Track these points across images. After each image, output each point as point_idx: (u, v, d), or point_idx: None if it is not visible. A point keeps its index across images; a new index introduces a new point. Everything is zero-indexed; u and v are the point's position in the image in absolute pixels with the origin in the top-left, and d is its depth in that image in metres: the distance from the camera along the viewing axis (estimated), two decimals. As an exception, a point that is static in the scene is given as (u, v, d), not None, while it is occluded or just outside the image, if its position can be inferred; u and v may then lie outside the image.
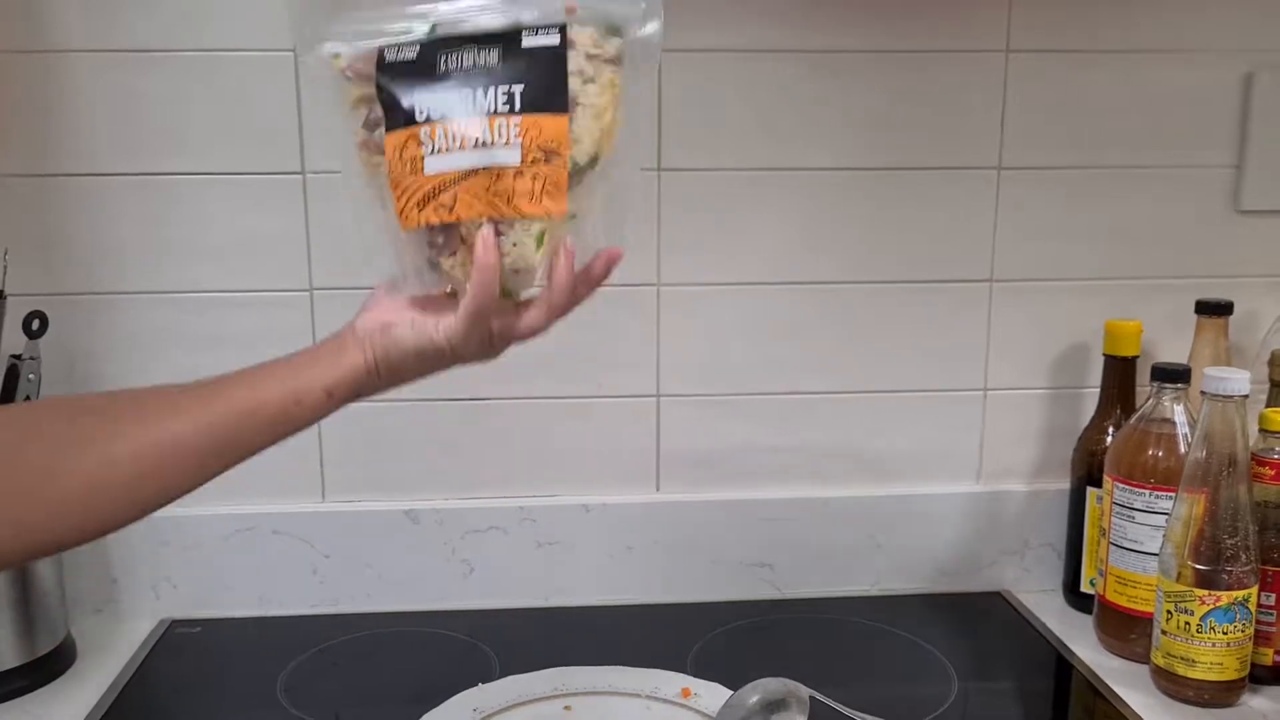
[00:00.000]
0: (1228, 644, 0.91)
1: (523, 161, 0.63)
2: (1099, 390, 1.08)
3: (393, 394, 1.06)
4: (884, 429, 1.12)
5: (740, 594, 1.11)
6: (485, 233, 0.64)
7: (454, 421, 1.08)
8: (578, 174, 0.64)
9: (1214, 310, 1.04)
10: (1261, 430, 0.94)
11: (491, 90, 0.63)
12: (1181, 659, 0.92)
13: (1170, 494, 0.95)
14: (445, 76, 0.64)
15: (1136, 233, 1.10)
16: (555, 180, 0.64)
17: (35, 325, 0.97)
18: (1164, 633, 0.93)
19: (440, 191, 0.64)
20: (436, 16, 0.65)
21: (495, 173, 0.63)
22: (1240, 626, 0.91)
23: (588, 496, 1.10)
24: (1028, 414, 1.13)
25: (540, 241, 0.65)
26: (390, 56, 0.65)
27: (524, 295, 0.68)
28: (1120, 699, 0.93)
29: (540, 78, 0.63)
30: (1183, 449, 0.96)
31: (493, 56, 0.64)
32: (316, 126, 1.02)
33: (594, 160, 0.65)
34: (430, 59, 0.64)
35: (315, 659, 1.01)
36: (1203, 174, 1.09)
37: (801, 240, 1.08)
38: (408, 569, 1.09)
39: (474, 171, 0.64)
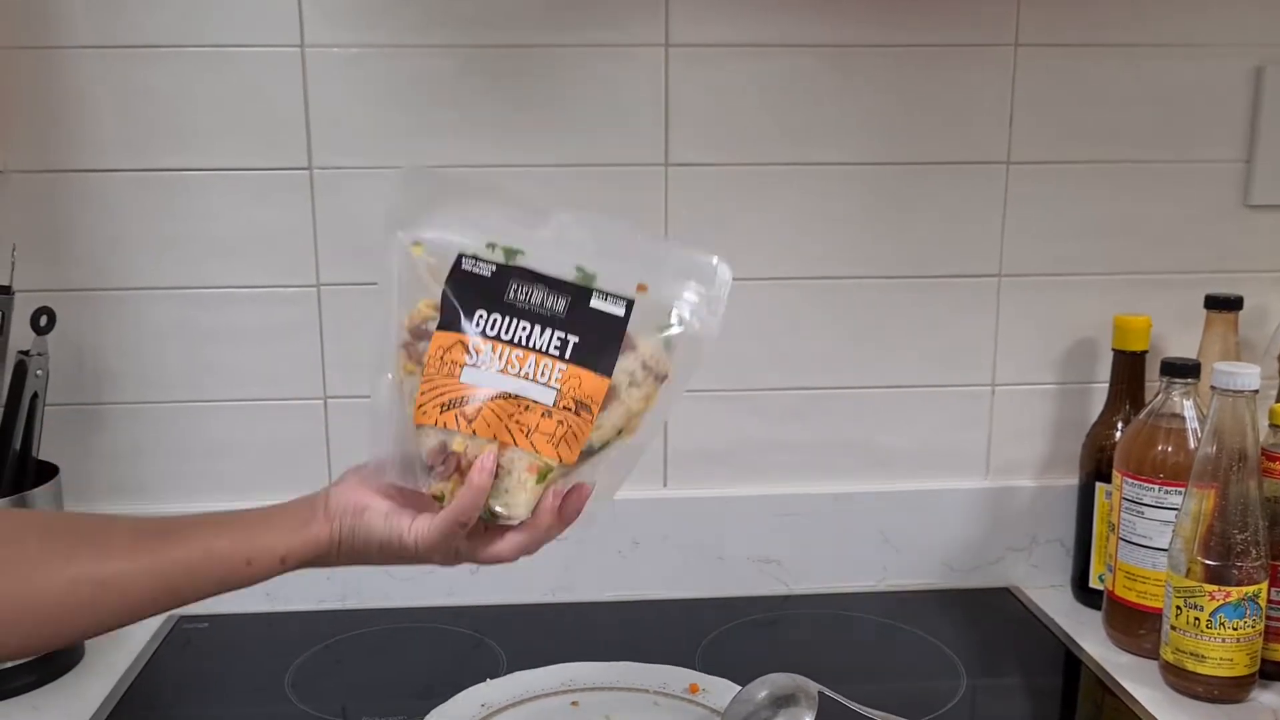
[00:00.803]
0: (1238, 639, 0.90)
1: (555, 405, 0.66)
2: (1108, 385, 1.07)
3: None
4: (892, 424, 1.12)
5: (748, 589, 1.11)
6: (486, 457, 0.65)
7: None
8: (589, 452, 0.68)
9: (1223, 305, 1.04)
10: (1271, 425, 0.93)
11: (549, 332, 0.67)
12: (1191, 654, 0.92)
13: (1180, 489, 0.94)
14: (510, 304, 0.67)
15: (1146, 227, 1.09)
16: (576, 432, 0.66)
17: (43, 321, 0.97)
18: (1173, 628, 0.93)
19: (465, 402, 0.66)
20: (525, 244, 0.68)
21: (525, 404, 0.66)
22: (1250, 622, 0.90)
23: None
24: (1036, 409, 1.12)
25: (541, 479, 0.67)
26: (467, 266, 0.68)
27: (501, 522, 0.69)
28: (1129, 695, 0.93)
29: (596, 338, 0.67)
30: (1192, 444, 0.96)
31: (559, 304, 0.67)
32: (323, 121, 1.02)
33: (607, 444, 0.68)
34: (502, 284, 0.68)
35: (322, 654, 1.01)
36: (1212, 168, 1.09)
37: (809, 235, 1.08)
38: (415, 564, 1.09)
39: (505, 396, 0.66)
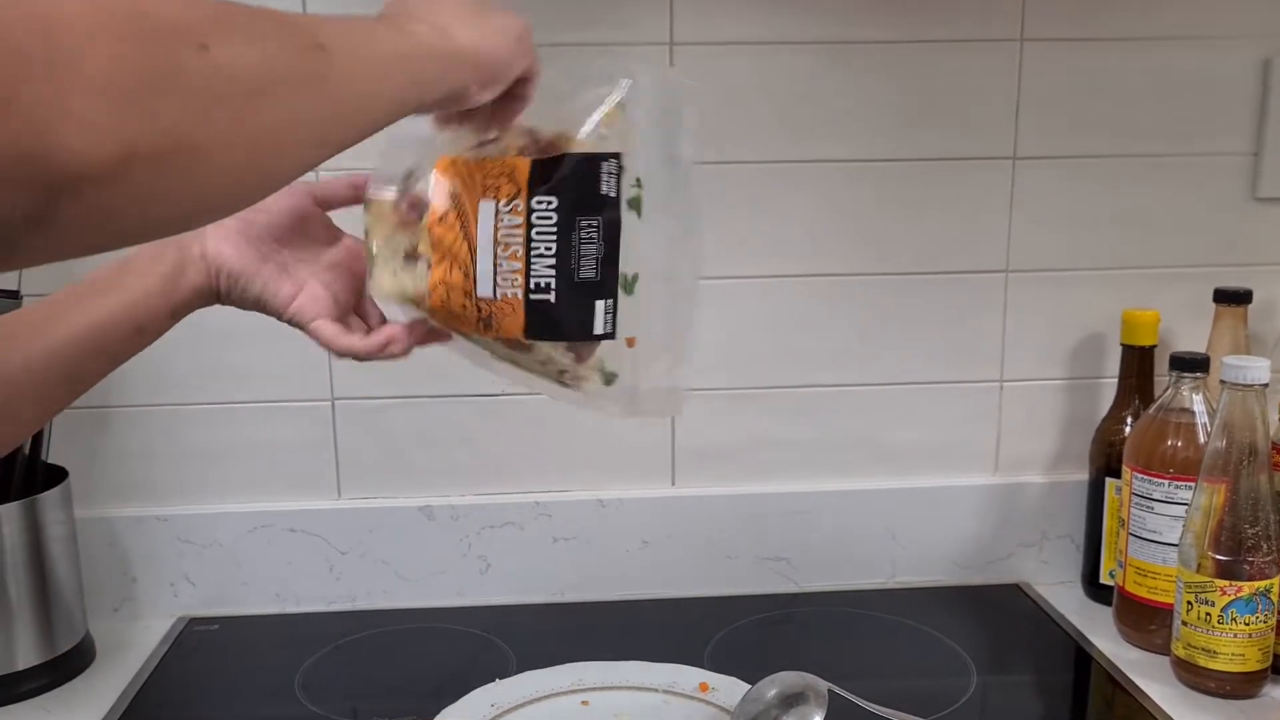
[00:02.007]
0: (1249, 635, 0.90)
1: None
2: (1117, 380, 1.07)
3: (406, 391, 1.07)
4: (900, 421, 1.11)
5: (757, 588, 1.11)
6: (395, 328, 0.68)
7: (468, 417, 1.08)
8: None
9: (1232, 299, 1.03)
10: (1282, 419, 0.93)
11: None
12: (1202, 650, 0.91)
13: (1190, 484, 0.94)
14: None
15: (1153, 221, 1.09)
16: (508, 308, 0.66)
17: (51, 325, 0.97)
18: (1184, 624, 0.92)
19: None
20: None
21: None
22: (1262, 617, 0.90)
23: (603, 491, 1.09)
24: (1045, 405, 1.12)
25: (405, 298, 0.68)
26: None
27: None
28: (1140, 691, 0.93)
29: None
30: (1202, 439, 0.95)
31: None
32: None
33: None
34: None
35: (332, 655, 1.01)
36: (1220, 161, 1.08)
37: (816, 232, 1.08)
38: (424, 565, 1.09)
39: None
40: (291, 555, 1.08)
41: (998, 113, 1.06)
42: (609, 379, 0.70)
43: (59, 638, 0.97)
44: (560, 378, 0.70)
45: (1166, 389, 0.99)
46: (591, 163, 0.66)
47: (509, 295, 0.66)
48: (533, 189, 0.65)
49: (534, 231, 0.65)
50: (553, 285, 0.65)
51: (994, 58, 1.05)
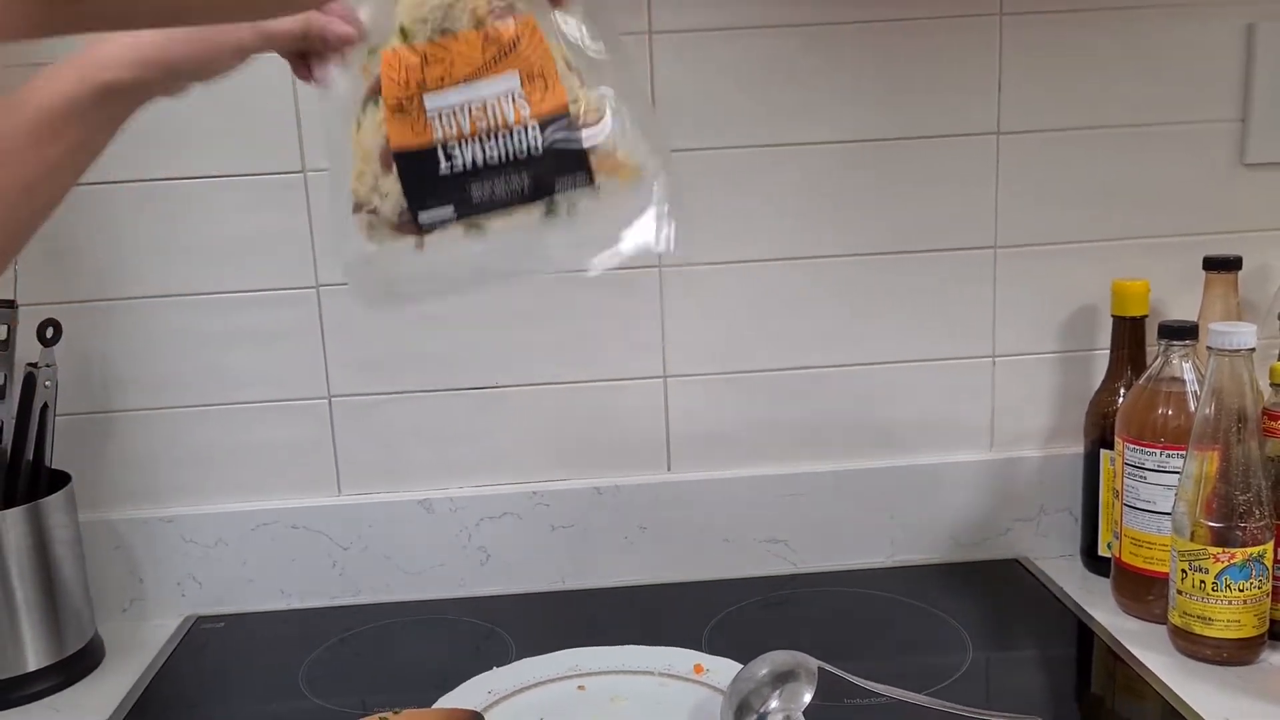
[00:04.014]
0: (1244, 601, 0.90)
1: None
2: (1109, 352, 1.07)
3: (401, 386, 1.09)
4: (894, 400, 1.12)
5: (755, 570, 1.12)
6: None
7: (464, 410, 1.09)
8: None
9: (1222, 266, 1.03)
10: (1272, 384, 0.93)
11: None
12: (1198, 618, 0.91)
13: (1181, 453, 0.94)
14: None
15: (1141, 191, 1.09)
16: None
17: (49, 333, 0.99)
18: (1180, 592, 0.92)
19: None
20: None
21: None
22: (1256, 583, 0.90)
23: (600, 479, 1.10)
24: (1038, 379, 1.12)
25: None
26: None
27: None
28: (1138, 661, 0.93)
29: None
30: (1192, 406, 0.95)
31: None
32: (313, 124, 1.03)
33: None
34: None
35: (337, 649, 1.02)
36: (1207, 128, 1.08)
37: (803, 215, 1.08)
38: (425, 558, 1.10)
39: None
40: (294, 552, 1.09)
41: (980, 88, 1.06)
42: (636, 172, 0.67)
43: (68, 639, 0.99)
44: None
45: (1156, 358, 0.98)
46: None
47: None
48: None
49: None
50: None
51: (973, 33, 1.05)
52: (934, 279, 1.10)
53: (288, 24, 0.65)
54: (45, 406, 0.99)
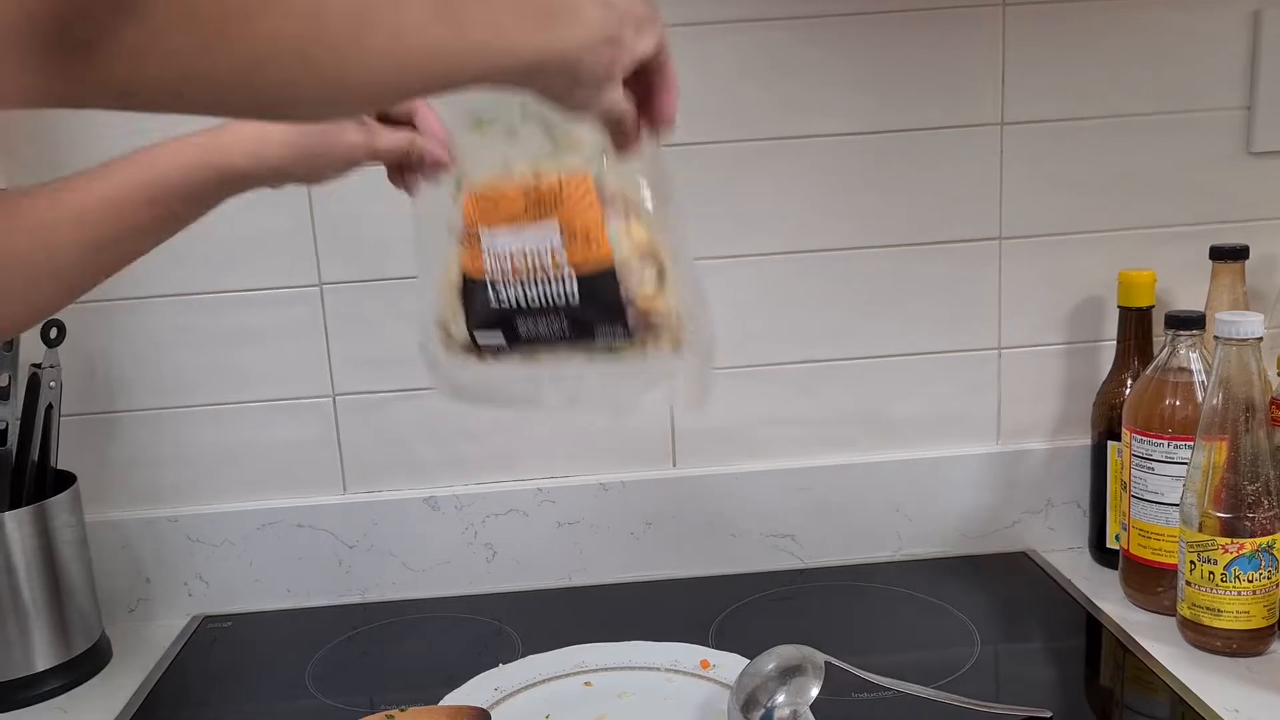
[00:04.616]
0: (1253, 591, 0.89)
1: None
2: (1115, 343, 1.06)
3: (406, 385, 1.08)
4: (900, 393, 1.11)
5: (762, 565, 1.11)
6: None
7: (468, 408, 1.08)
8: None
9: (1229, 255, 1.02)
10: (1280, 373, 0.92)
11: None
12: (1207, 609, 0.91)
13: (1189, 443, 0.93)
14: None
15: (1147, 181, 1.08)
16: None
17: (53, 334, 0.99)
18: (1188, 583, 0.92)
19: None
20: None
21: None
22: (1266, 573, 0.89)
23: (605, 475, 1.10)
24: (1045, 370, 1.12)
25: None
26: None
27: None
28: (1147, 653, 0.92)
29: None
30: (1199, 397, 0.95)
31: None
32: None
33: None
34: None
35: (343, 648, 1.02)
36: (1213, 117, 1.07)
37: (807, 208, 1.07)
38: (431, 556, 1.10)
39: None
40: (301, 551, 1.09)
41: (983, 79, 1.06)
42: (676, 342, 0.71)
43: (75, 639, 0.99)
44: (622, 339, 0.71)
45: (1163, 348, 0.98)
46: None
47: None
48: None
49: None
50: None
51: (977, 23, 1.05)
52: (939, 271, 1.09)
53: (394, 141, 0.71)
54: (50, 407, 0.99)
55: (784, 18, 1.04)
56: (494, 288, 0.70)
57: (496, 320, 0.71)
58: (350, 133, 0.70)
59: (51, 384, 0.99)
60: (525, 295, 0.69)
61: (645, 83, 0.60)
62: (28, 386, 0.99)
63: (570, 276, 0.68)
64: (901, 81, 1.05)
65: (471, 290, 0.71)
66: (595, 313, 0.69)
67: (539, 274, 0.69)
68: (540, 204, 0.68)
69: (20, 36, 0.34)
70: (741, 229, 1.07)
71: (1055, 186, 1.08)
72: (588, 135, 0.67)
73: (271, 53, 0.39)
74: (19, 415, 0.98)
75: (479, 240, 0.70)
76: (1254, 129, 1.07)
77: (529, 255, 0.69)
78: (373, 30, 0.42)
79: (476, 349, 0.73)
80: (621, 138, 0.61)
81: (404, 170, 0.73)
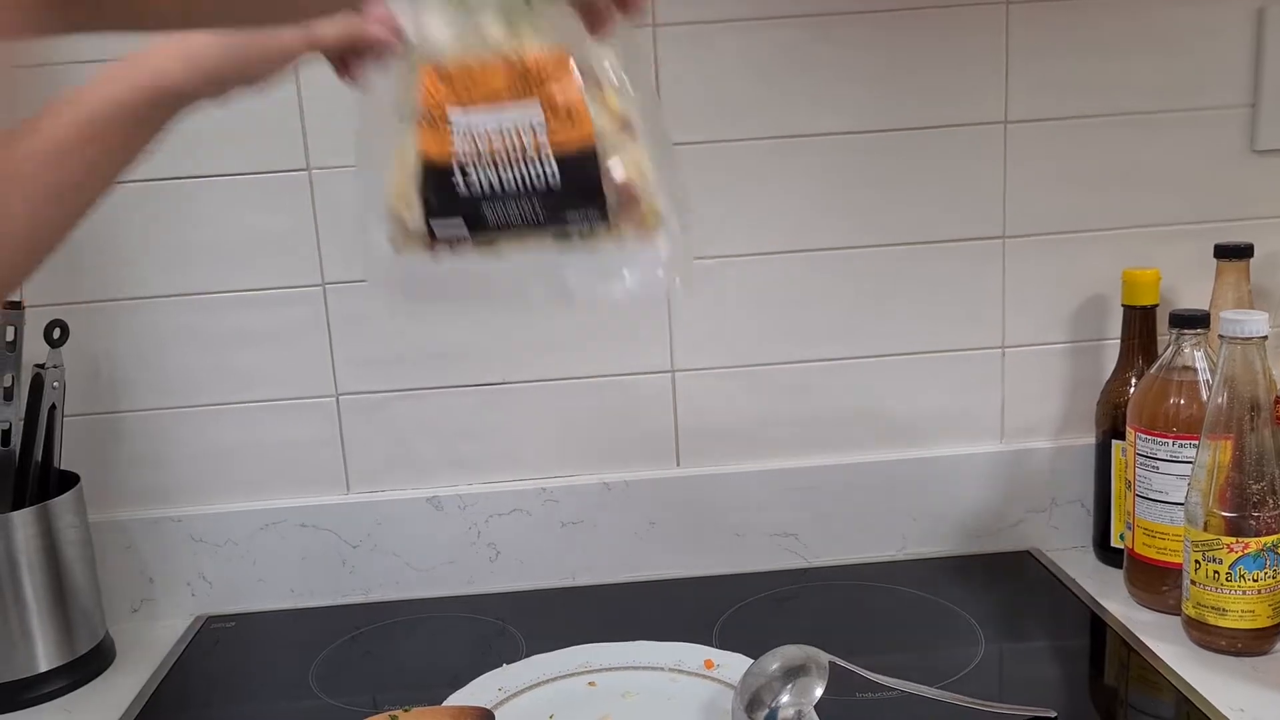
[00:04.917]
0: (1259, 591, 0.89)
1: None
2: (1119, 341, 1.06)
3: (409, 384, 1.08)
4: (904, 392, 1.11)
5: (766, 565, 1.11)
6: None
7: (472, 408, 1.09)
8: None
9: (1234, 253, 1.02)
10: (1285, 372, 0.92)
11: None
12: (1212, 608, 0.90)
13: (1194, 442, 0.93)
14: None
15: (1151, 179, 1.08)
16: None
17: (56, 334, 0.99)
18: (1193, 583, 0.91)
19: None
20: None
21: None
22: (1270, 573, 0.89)
23: (609, 474, 1.10)
24: (1049, 369, 1.11)
25: None
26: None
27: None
28: (1152, 652, 0.92)
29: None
30: (1204, 396, 0.94)
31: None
32: (317, 122, 1.03)
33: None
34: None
35: (347, 647, 1.02)
36: (1216, 115, 1.07)
37: (810, 207, 1.07)
38: (434, 555, 1.10)
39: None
40: (304, 551, 1.09)
41: (986, 77, 1.05)
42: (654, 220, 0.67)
43: (78, 639, 0.99)
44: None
45: (1167, 347, 0.98)
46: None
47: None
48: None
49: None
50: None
51: (980, 21, 1.04)
52: (942, 269, 1.09)
53: (333, 29, 0.66)
54: (53, 407, 0.99)
55: (786, 16, 1.03)
56: (463, 172, 0.65)
57: (462, 208, 0.66)
58: (285, 30, 0.66)
59: (55, 384, 0.99)
60: (500, 179, 0.65)
61: None
62: (31, 387, 0.99)
63: (549, 158, 0.64)
64: (904, 79, 1.05)
65: (433, 177, 0.66)
66: (573, 195, 0.65)
67: (516, 154, 0.64)
68: (524, 80, 0.64)
69: None
70: (745, 228, 1.07)
71: (1059, 184, 1.07)
72: (556, 17, 0.64)
73: None
74: (22, 415, 0.98)
75: (446, 120, 0.65)
76: (1258, 126, 1.07)
77: (507, 135, 0.64)
78: None
79: (431, 240, 0.67)
80: (593, 17, 0.60)
81: (348, 62, 0.68)
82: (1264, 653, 0.91)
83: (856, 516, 1.12)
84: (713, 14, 1.03)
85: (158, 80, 0.64)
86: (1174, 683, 0.88)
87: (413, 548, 1.10)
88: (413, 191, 0.67)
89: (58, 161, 0.62)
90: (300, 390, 1.08)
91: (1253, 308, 1.00)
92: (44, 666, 0.96)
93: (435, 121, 0.66)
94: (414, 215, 0.67)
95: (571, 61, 0.64)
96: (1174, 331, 0.97)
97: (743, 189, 1.06)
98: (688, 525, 1.11)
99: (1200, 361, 0.96)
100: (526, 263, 0.67)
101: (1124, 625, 0.97)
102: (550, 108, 0.64)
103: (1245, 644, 0.90)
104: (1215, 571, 0.90)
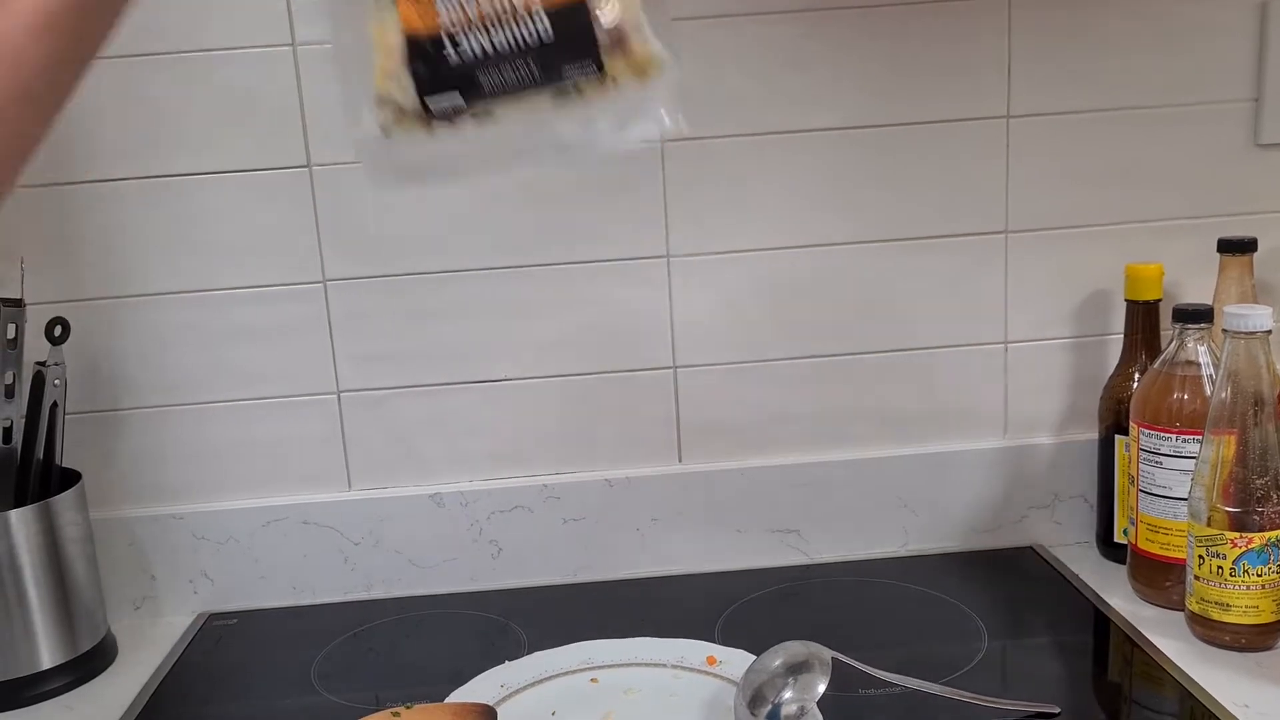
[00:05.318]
0: (1262, 586, 0.89)
1: None
2: (1123, 336, 1.06)
3: (411, 381, 1.08)
4: (906, 388, 1.11)
5: (768, 561, 1.11)
6: None
7: (473, 404, 1.09)
8: None
9: (1237, 248, 1.02)
10: (1289, 367, 0.92)
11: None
12: (1216, 604, 0.90)
13: (1197, 437, 0.93)
14: None
15: (1154, 173, 1.07)
16: None
17: (58, 331, 0.99)
18: (1197, 578, 0.91)
19: None
20: None
21: None
22: (1275, 568, 0.89)
23: (610, 471, 1.10)
24: (1051, 365, 1.11)
25: None
26: None
27: None
28: (1155, 648, 0.92)
29: None
30: (1208, 390, 0.94)
31: None
32: (318, 118, 1.03)
33: None
34: None
35: (348, 644, 1.02)
36: (1220, 109, 1.07)
37: (811, 202, 1.07)
38: (436, 552, 1.10)
39: None
40: (306, 548, 1.09)
41: (988, 71, 1.05)
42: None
43: (80, 637, 0.99)
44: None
45: (1170, 342, 0.97)
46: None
47: None
48: None
49: None
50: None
51: (982, 15, 1.04)
52: (945, 265, 1.09)
53: None
54: (54, 405, 0.99)
55: (787, 11, 1.03)
56: (452, 41, 0.63)
57: (455, 79, 0.64)
58: None
59: (56, 382, 0.99)
60: (491, 42, 0.63)
61: None
62: (32, 384, 0.98)
63: (539, 12, 0.62)
64: (907, 74, 1.05)
65: (421, 50, 0.64)
66: (566, 48, 0.63)
67: (505, 14, 0.62)
68: None
69: None
70: (747, 223, 1.07)
71: (1062, 179, 1.07)
72: None
73: None
74: (24, 413, 0.98)
75: None
76: (1262, 121, 1.06)
77: None
78: None
79: (428, 117, 0.65)
80: None
81: None
82: (1268, 648, 0.90)
83: (859, 512, 1.12)
84: (712, 9, 1.03)
85: None
86: (1178, 678, 0.88)
87: (414, 545, 1.10)
88: (402, 70, 0.64)
89: (11, 61, 0.58)
90: (302, 387, 1.08)
91: (1256, 302, 1.00)
92: (46, 664, 0.96)
93: None
94: (407, 94, 0.65)
95: None
96: (1177, 326, 0.96)
97: (745, 185, 1.06)
98: (690, 522, 1.11)
99: (1204, 356, 0.96)
100: (524, 127, 0.65)
101: (1127, 621, 0.97)
102: None
103: (1249, 639, 0.90)
104: (1219, 567, 0.89)
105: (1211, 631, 0.91)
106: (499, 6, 0.62)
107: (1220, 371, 0.90)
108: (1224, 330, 0.90)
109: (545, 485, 1.10)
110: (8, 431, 0.97)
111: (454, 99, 0.64)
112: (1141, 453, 0.98)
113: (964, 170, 1.07)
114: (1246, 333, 0.88)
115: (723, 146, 1.05)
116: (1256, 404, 0.89)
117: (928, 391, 1.11)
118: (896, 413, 1.11)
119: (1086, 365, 1.11)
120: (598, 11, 0.62)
